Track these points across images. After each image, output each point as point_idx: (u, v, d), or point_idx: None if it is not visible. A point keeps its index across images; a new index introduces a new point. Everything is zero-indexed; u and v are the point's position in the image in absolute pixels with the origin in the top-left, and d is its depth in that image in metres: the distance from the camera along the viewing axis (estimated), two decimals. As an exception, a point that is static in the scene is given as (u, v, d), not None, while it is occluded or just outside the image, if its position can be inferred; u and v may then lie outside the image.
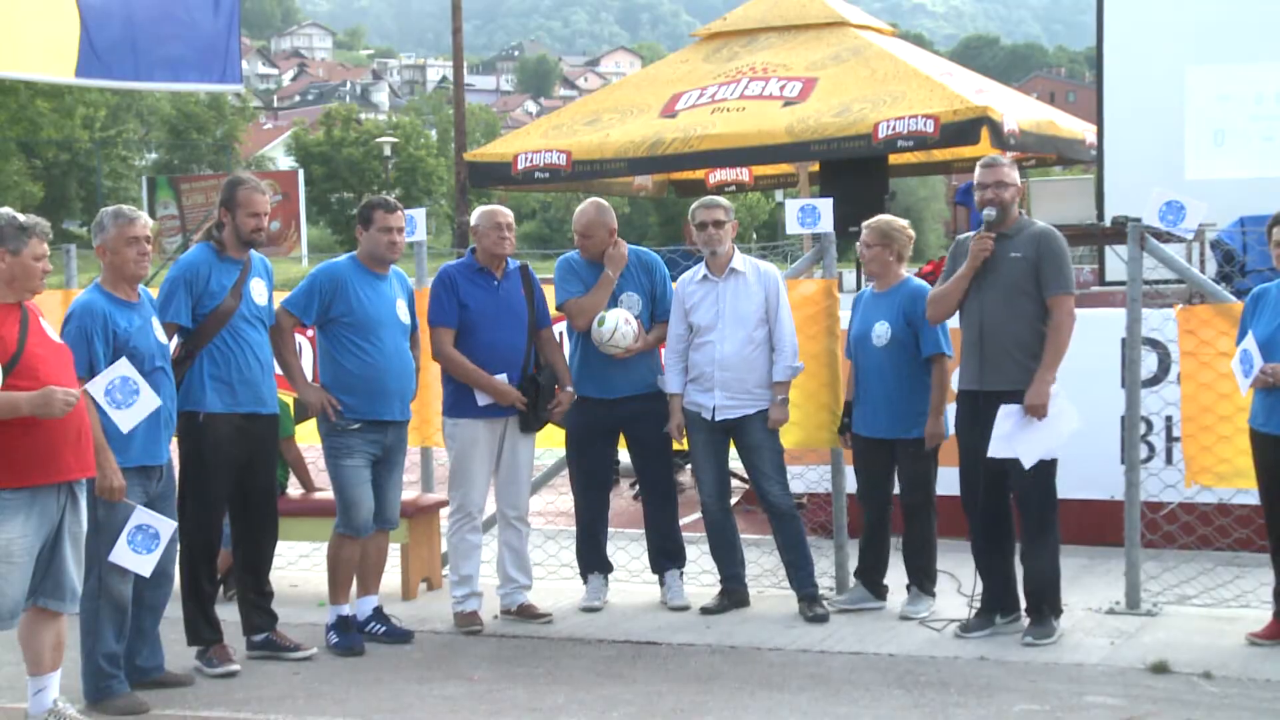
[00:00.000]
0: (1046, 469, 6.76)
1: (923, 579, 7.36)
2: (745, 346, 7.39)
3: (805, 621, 7.29)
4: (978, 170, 6.92)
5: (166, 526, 6.15)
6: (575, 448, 7.77)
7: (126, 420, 5.90)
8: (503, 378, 7.26)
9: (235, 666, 6.67)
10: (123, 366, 5.90)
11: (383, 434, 7.07)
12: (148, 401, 5.92)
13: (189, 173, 55.09)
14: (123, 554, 6.06)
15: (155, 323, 6.34)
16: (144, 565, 6.11)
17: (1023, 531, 6.87)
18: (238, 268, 6.74)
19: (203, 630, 6.73)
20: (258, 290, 6.80)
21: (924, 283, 7.44)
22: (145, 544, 6.09)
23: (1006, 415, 6.66)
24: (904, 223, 7.47)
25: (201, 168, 58.41)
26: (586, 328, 7.44)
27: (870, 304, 7.42)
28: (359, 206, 7.34)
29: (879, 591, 7.51)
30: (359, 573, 7.18)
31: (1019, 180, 6.95)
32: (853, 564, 7.67)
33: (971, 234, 6.98)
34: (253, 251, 6.86)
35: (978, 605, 7.04)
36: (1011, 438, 6.65)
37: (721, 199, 7.56)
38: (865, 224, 7.42)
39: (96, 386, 5.82)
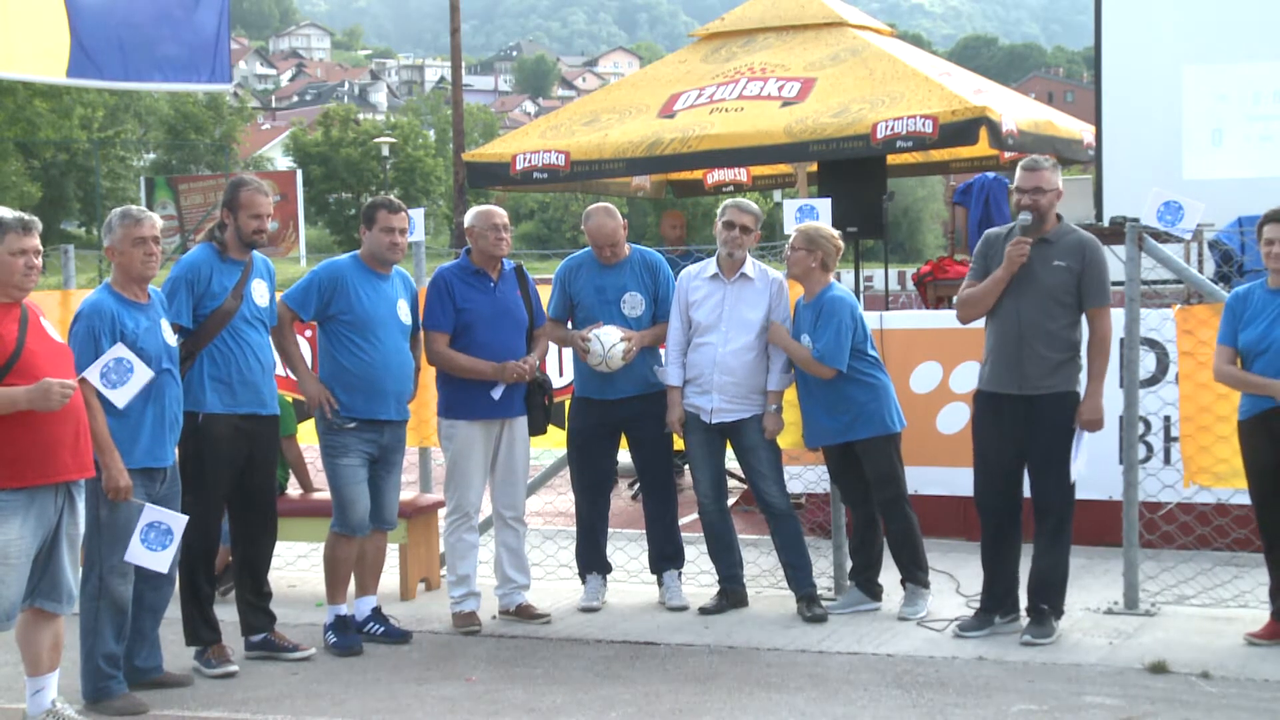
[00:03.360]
0: (1069, 473, 6.81)
1: (914, 570, 7.35)
2: (746, 352, 7.38)
3: (803, 622, 7.29)
4: (1018, 172, 6.77)
5: (178, 521, 6.15)
6: (576, 448, 7.77)
7: (120, 397, 5.89)
8: (497, 391, 7.26)
9: (233, 667, 6.67)
10: (118, 349, 5.90)
11: (379, 434, 7.07)
12: (141, 376, 5.92)
13: (187, 173, 55.02)
14: (138, 553, 6.05)
15: (164, 325, 6.33)
16: (160, 562, 6.11)
17: (1037, 532, 6.87)
18: (239, 269, 6.74)
19: (201, 630, 6.74)
20: (259, 291, 6.80)
21: (843, 292, 7.37)
22: (159, 541, 6.08)
23: (1078, 437, 6.76)
24: (834, 232, 7.39)
25: (200, 168, 58.34)
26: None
27: (800, 315, 7.38)
28: (364, 206, 7.35)
29: (874, 592, 7.51)
30: (357, 573, 7.18)
31: (1060, 184, 6.79)
32: (849, 565, 7.68)
33: (1002, 229, 6.92)
34: (255, 253, 6.86)
35: (976, 605, 7.06)
36: (1076, 455, 6.78)
37: (755, 206, 7.50)
38: (795, 228, 7.41)
39: (93, 372, 5.82)
